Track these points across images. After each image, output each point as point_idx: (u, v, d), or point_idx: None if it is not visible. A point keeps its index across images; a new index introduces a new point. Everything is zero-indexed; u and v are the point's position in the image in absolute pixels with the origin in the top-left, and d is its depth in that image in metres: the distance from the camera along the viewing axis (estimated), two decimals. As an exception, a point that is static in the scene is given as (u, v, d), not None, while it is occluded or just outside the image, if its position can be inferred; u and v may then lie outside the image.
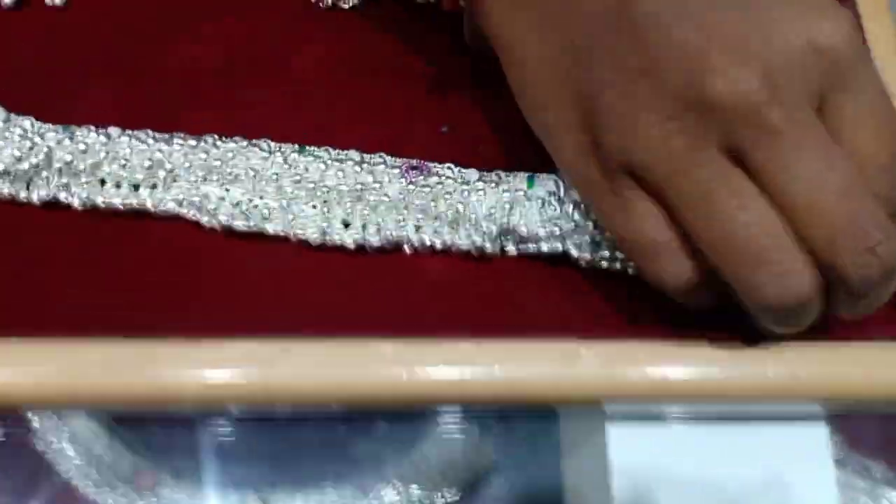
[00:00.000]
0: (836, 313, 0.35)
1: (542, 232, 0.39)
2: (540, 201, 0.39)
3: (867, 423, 0.52)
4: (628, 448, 0.39)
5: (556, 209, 0.39)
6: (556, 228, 0.39)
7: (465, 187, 0.40)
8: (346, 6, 0.46)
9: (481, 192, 0.40)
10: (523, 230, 0.39)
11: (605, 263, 0.39)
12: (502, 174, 0.41)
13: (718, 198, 0.32)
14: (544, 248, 0.39)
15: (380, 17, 0.46)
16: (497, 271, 0.40)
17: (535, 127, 0.39)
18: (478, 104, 0.44)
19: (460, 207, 0.40)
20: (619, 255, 0.39)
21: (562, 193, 0.39)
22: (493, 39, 0.40)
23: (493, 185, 0.40)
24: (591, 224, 0.38)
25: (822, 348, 0.37)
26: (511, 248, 0.40)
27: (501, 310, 0.39)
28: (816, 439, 0.39)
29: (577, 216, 0.39)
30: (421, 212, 0.40)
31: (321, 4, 0.46)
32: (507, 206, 0.39)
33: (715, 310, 0.37)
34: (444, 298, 0.39)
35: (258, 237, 0.39)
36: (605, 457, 0.38)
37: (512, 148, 0.42)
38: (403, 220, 0.39)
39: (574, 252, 0.39)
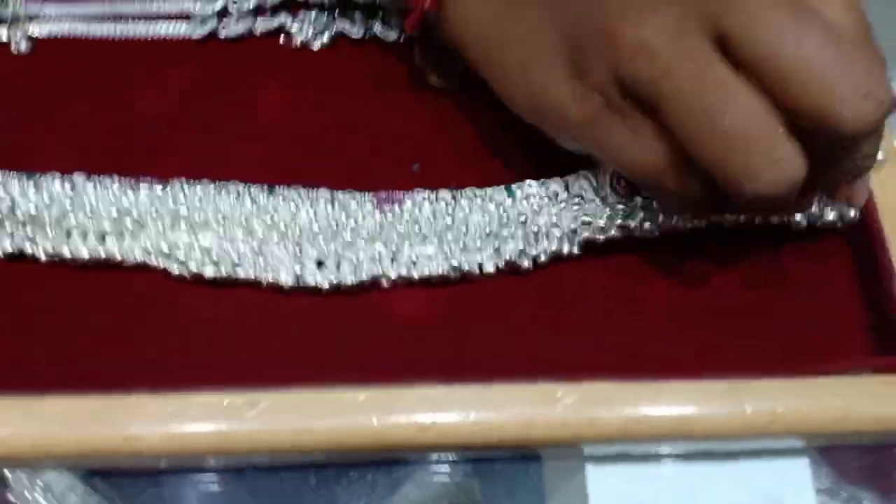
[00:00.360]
0: (832, 184, 0.38)
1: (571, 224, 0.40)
2: (546, 199, 0.40)
3: (857, 453, 0.51)
4: (608, 488, 0.38)
5: (563, 202, 0.40)
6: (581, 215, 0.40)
7: (444, 207, 0.40)
8: (316, 46, 0.45)
9: (465, 209, 0.40)
10: (557, 229, 0.39)
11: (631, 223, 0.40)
12: (476, 190, 0.40)
13: (707, 91, 0.33)
14: (566, 246, 0.40)
15: (350, 56, 0.46)
16: (474, 308, 0.39)
17: (526, 102, 0.39)
18: (448, 142, 0.43)
19: (446, 223, 0.40)
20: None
21: (551, 189, 0.40)
22: (466, 38, 0.40)
23: (474, 200, 0.40)
24: (601, 197, 0.40)
25: (799, 383, 0.37)
26: (490, 267, 0.39)
27: (478, 349, 0.39)
28: (799, 473, 0.39)
29: (586, 194, 0.40)
30: (401, 240, 0.39)
31: (291, 45, 0.45)
32: (500, 217, 0.39)
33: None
34: (420, 340, 0.38)
35: (230, 283, 0.39)
36: (585, 497, 0.38)
37: (484, 184, 0.42)
38: (380, 254, 0.39)
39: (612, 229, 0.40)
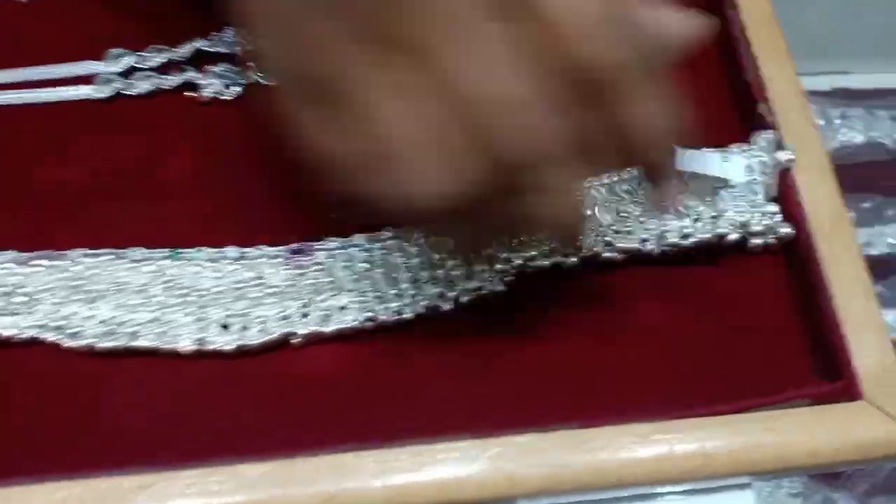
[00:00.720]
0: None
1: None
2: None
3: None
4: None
5: None
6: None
7: (358, 252, 0.38)
8: (227, 98, 0.44)
9: (382, 253, 0.38)
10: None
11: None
12: (392, 231, 0.39)
13: (361, 96, 0.30)
14: (488, 284, 0.38)
15: (264, 105, 0.44)
16: (390, 361, 0.38)
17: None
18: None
19: (362, 270, 0.38)
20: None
21: None
22: None
23: (389, 242, 0.38)
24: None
25: (730, 420, 0.35)
26: (409, 314, 0.38)
27: (393, 405, 0.37)
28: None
29: None
30: (313, 293, 0.38)
31: (198, 100, 0.44)
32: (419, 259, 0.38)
33: None
34: (330, 399, 0.37)
35: (129, 352, 0.37)
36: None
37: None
38: (288, 312, 0.38)
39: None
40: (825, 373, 0.37)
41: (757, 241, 0.39)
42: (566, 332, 0.38)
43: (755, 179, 0.39)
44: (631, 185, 0.40)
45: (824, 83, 0.87)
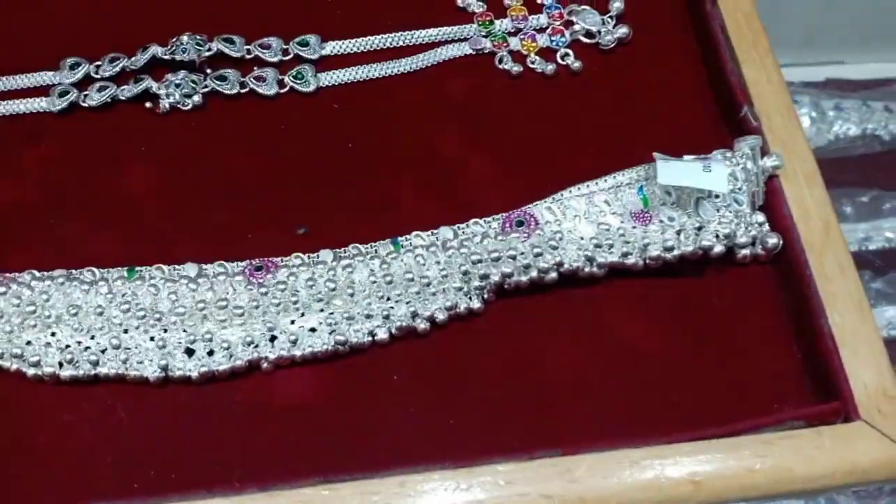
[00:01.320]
0: None
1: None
2: (434, 248, 0.37)
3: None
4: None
5: (452, 249, 0.37)
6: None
7: (324, 269, 0.36)
8: (187, 108, 0.42)
9: (348, 269, 0.36)
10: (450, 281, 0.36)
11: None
12: (360, 247, 0.37)
13: None
14: (463, 302, 0.36)
15: (224, 116, 0.42)
16: (368, 384, 0.36)
17: None
18: (337, 199, 0.40)
19: (328, 288, 0.36)
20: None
21: (441, 236, 0.37)
22: None
23: (355, 258, 0.37)
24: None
25: (721, 444, 0.33)
26: (383, 335, 0.36)
27: (368, 433, 0.35)
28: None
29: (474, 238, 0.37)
30: (279, 314, 0.36)
31: (157, 111, 0.42)
32: (385, 275, 0.36)
33: None
34: (305, 425, 0.35)
35: (93, 381, 0.35)
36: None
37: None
38: (254, 335, 0.35)
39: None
40: (820, 393, 0.35)
41: (744, 251, 0.37)
42: (546, 353, 0.36)
43: (740, 188, 0.37)
44: (608, 195, 0.37)
45: (818, 74, 0.85)
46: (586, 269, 0.37)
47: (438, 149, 0.41)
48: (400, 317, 0.36)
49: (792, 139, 0.39)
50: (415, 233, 0.38)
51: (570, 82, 0.43)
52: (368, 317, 0.36)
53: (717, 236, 0.36)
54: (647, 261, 0.37)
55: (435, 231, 0.38)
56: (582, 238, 0.37)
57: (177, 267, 0.37)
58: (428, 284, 0.36)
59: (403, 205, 0.40)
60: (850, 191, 0.80)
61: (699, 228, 0.37)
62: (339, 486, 0.32)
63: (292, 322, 0.36)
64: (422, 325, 0.36)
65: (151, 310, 0.36)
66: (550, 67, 0.43)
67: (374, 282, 0.36)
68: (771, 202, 0.38)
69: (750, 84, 0.40)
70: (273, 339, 0.36)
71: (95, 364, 0.35)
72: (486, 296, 0.37)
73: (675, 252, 0.36)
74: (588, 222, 0.37)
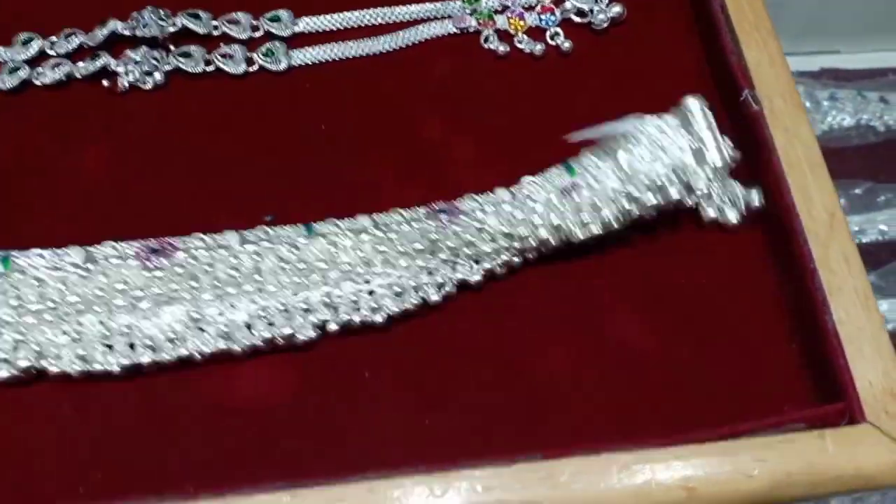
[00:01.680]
0: None
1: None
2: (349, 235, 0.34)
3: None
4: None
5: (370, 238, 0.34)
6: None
7: (226, 255, 0.34)
8: (147, 87, 0.39)
9: (254, 256, 0.34)
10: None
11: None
12: (270, 230, 0.35)
13: None
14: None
15: (187, 95, 0.39)
16: (337, 382, 0.33)
17: None
18: (304, 184, 0.37)
19: (230, 276, 0.33)
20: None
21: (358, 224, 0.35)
22: None
23: (262, 244, 0.34)
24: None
25: (715, 448, 0.30)
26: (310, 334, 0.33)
27: (332, 431, 0.32)
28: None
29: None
30: (203, 302, 0.33)
31: (116, 90, 0.39)
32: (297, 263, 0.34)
33: None
34: (261, 429, 0.32)
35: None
36: None
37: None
38: (175, 322, 0.33)
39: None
40: (823, 393, 0.33)
41: (709, 211, 0.35)
42: (531, 349, 0.34)
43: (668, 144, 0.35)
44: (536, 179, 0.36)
45: (812, 63, 0.83)
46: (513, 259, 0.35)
47: (420, 132, 0.39)
48: (318, 301, 0.34)
49: (795, 124, 0.36)
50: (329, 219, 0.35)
51: (559, 64, 0.41)
52: (307, 310, 0.34)
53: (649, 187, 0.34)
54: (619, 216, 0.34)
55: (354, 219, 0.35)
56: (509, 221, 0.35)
57: (57, 251, 0.34)
58: (347, 272, 0.34)
59: (383, 191, 0.37)
60: (843, 182, 0.78)
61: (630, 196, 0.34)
62: (303, 492, 0.29)
63: (218, 312, 0.33)
64: (332, 327, 0.34)
65: (59, 299, 0.33)
66: (539, 48, 0.41)
67: (289, 269, 0.34)
68: (773, 190, 0.35)
69: (751, 66, 0.38)
70: (200, 327, 0.33)
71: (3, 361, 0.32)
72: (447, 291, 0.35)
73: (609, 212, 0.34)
74: (513, 207, 0.35)
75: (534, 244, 0.34)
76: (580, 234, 0.34)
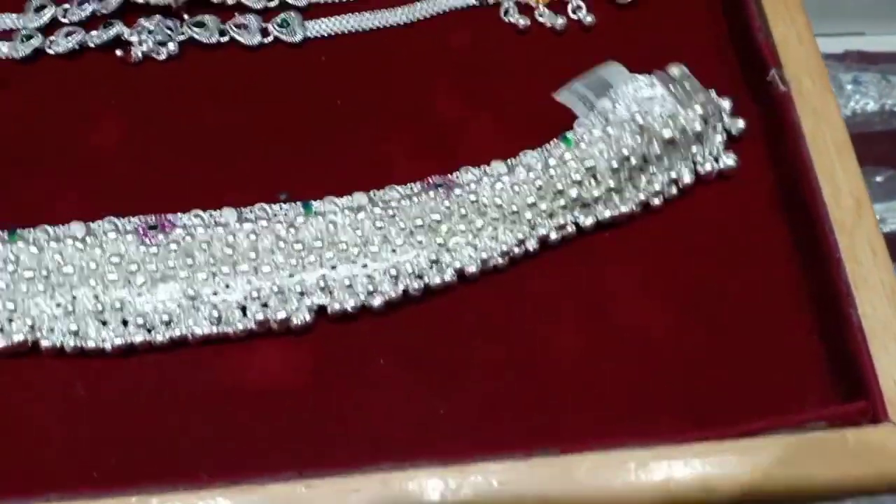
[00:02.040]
0: None
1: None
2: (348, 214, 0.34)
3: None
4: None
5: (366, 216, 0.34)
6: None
7: (223, 232, 0.33)
8: (161, 57, 0.39)
9: (250, 234, 0.33)
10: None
11: None
12: (267, 208, 0.34)
13: None
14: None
15: (201, 67, 0.39)
16: (346, 370, 0.33)
17: None
18: (319, 160, 0.37)
19: (227, 254, 0.33)
20: None
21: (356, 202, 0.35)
22: None
23: (258, 221, 0.33)
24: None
25: (736, 446, 0.30)
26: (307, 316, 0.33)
27: (346, 418, 0.32)
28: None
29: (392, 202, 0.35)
30: (199, 281, 0.32)
31: (129, 60, 0.38)
32: (293, 244, 0.33)
33: None
34: (275, 415, 0.32)
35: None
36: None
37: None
38: (168, 300, 0.32)
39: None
40: (845, 390, 0.32)
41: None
42: (548, 341, 0.33)
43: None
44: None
45: (836, 45, 0.82)
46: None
47: (437, 107, 0.38)
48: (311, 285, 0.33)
49: (824, 106, 0.35)
50: (329, 197, 0.35)
51: (581, 38, 0.40)
52: (288, 293, 0.33)
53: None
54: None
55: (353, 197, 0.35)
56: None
57: (61, 226, 0.33)
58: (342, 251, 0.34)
59: (397, 167, 0.37)
60: (865, 170, 0.77)
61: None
62: (317, 482, 0.29)
63: (212, 287, 0.33)
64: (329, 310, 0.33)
65: (51, 270, 0.32)
66: (560, 22, 0.40)
67: (286, 249, 0.33)
68: (801, 176, 0.35)
69: (779, 44, 0.37)
70: (196, 309, 0.32)
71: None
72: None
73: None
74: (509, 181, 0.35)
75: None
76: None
